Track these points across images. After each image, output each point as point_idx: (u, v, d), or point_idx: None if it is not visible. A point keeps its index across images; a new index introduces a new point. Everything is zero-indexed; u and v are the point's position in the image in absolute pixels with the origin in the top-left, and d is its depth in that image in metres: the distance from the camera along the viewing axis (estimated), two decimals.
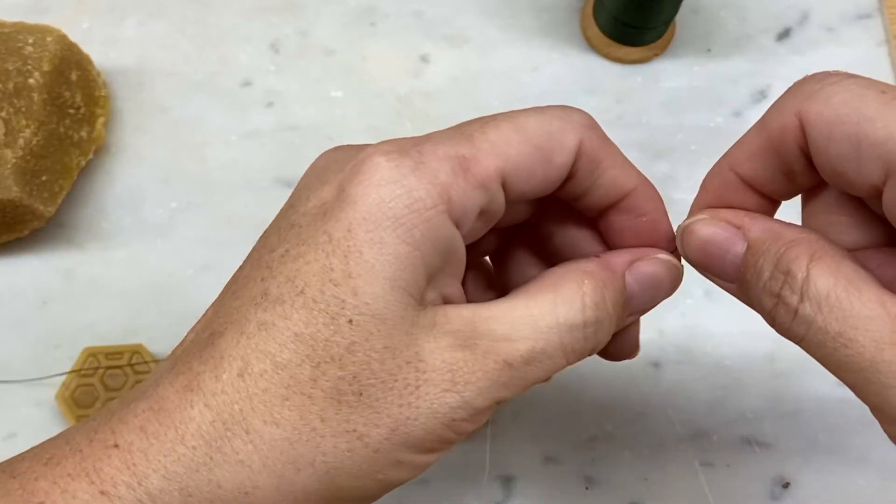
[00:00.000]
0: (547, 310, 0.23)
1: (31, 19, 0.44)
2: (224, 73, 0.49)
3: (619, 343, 0.28)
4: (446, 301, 0.24)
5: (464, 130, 0.24)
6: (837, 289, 0.22)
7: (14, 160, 0.40)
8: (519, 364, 0.23)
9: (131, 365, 0.41)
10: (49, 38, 0.43)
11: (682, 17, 0.49)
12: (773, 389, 0.43)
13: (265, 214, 0.45)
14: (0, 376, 0.42)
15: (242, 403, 0.21)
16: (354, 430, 0.22)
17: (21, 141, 0.41)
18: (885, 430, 0.23)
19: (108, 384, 0.41)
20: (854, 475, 0.42)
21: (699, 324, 0.44)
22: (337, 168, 0.24)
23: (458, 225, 0.23)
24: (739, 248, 0.26)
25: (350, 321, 0.21)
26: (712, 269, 0.27)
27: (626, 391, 0.43)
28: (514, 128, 0.24)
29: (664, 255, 0.27)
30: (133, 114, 0.48)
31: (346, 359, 0.21)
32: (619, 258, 0.26)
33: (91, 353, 0.41)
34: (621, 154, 0.26)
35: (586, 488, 0.41)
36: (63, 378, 0.41)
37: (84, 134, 0.45)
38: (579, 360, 0.25)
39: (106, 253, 0.45)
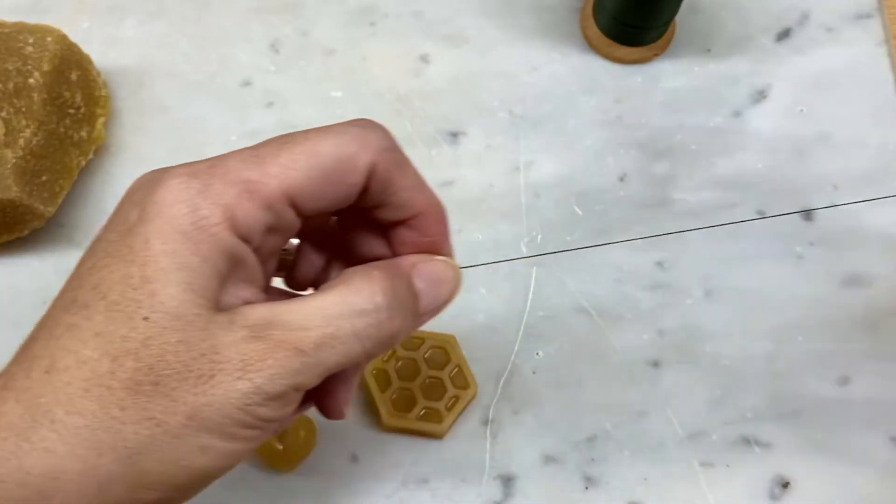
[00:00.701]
0: (338, 300, 0.26)
1: (32, 19, 0.45)
2: (224, 73, 0.49)
3: (331, 399, 0.30)
4: (247, 304, 0.26)
5: (258, 152, 0.26)
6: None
7: (14, 160, 0.40)
8: (311, 350, 0.25)
9: None
10: (49, 38, 0.43)
11: (681, 17, 0.49)
12: (772, 389, 0.43)
13: None
14: None
15: (48, 397, 0.24)
16: (153, 418, 0.23)
17: (21, 141, 0.41)
18: None
19: None
20: (853, 475, 0.42)
21: (699, 324, 0.44)
22: (143, 192, 0.26)
23: (246, 240, 0.25)
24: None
25: (145, 318, 0.24)
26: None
27: (625, 391, 0.43)
28: (307, 152, 0.26)
29: (442, 258, 0.29)
30: (133, 114, 0.48)
31: (142, 352, 0.23)
32: (405, 260, 0.29)
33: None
34: (416, 176, 0.28)
35: (586, 488, 0.41)
36: None
37: (84, 134, 0.45)
38: (377, 349, 0.26)
39: None
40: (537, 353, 0.43)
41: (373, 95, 0.48)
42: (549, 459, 0.42)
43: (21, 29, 0.43)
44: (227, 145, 0.47)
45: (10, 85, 0.41)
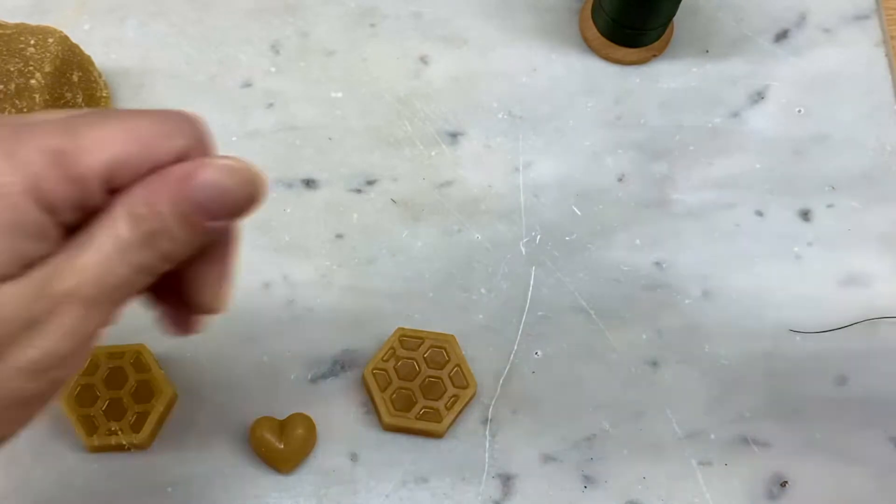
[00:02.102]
0: (105, 234, 0.24)
1: (33, 21, 0.45)
2: (224, 74, 0.49)
3: (203, 287, 0.28)
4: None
5: (71, 122, 0.24)
6: None
7: None
8: (90, 290, 0.24)
9: (133, 364, 0.41)
10: (50, 40, 0.43)
11: (680, 18, 0.49)
12: (770, 389, 0.43)
13: (265, 214, 0.46)
14: None
15: None
16: None
17: None
18: None
19: (110, 383, 0.41)
20: (851, 474, 0.42)
21: (697, 324, 0.44)
22: None
23: (53, 211, 0.24)
24: None
25: None
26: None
27: (624, 391, 0.43)
28: (121, 125, 0.25)
29: (222, 160, 0.26)
30: None
31: None
32: (177, 169, 0.25)
33: (92, 353, 0.41)
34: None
35: (585, 487, 0.42)
36: None
37: None
38: (158, 269, 0.25)
39: None
40: (536, 353, 0.44)
41: (372, 96, 0.48)
42: (548, 458, 0.42)
43: (22, 30, 0.43)
44: (227, 146, 0.47)
45: (12, 86, 0.42)
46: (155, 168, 0.25)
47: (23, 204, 0.23)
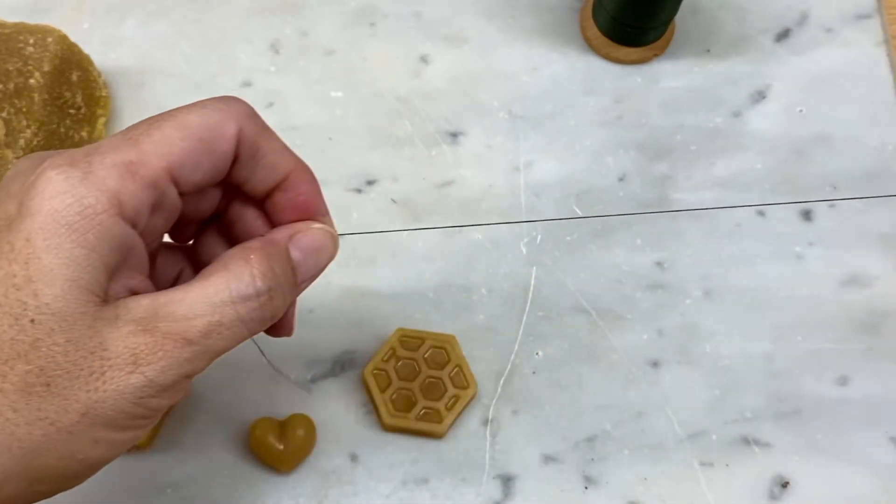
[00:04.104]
0: (221, 287, 0.26)
1: (32, 20, 0.45)
2: (224, 74, 0.49)
3: (278, 322, 0.31)
4: (133, 293, 0.26)
5: (130, 135, 0.26)
6: None
7: (15, 161, 0.40)
8: (198, 339, 0.25)
9: None
10: (50, 39, 0.43)
11: (681, 17, 0.49)
12: (772, 389, 0.43)
13: None
14: None
15: None
16: (47, 418, 0.24)
17: (22, 141, 0.41)
18: None
19: None
20: (853, 475, 0.42)
21: (698, 324, 0.44)
22: (19, 183, 0.26)
23: (133, 224, 0.26)
24: None
25: (32, 321, 0.24)
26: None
27: (625, 391, 0.43)
28: (177, 126, 0.26)
29: (319, 225, 0.30)
30: (134, 114, 0.48)
31: (32, 354, 0.24)
32: (280, 233, 0.29)
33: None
34: (279, 140, 0.29)
35: (585, 488, 0.41)
36: None
37: (85, 134, 0.45)
38: (261, 327, 0.27)
39: None
40: (537, 353, 0.44)
41: (373, 95, 0.48)
42: (548, 459, 0.42)
43: (21, 29, 0.43)
44: None
45: (11, 85, 0.41)
46: (218, 159, 0.27)
47: (108, 220, 0.24)
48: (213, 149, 0.27)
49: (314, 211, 0.30)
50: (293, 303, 0.31)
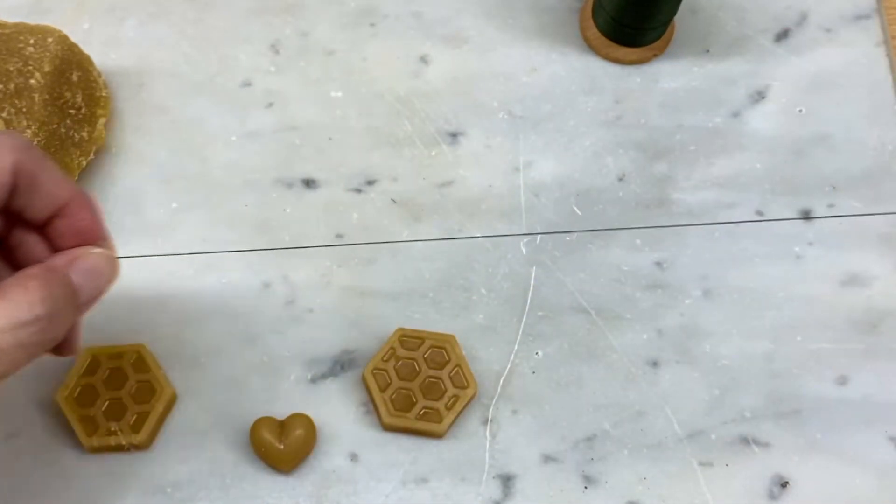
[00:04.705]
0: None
1: (32, 20, 0.45)
2: (224, 74, 0.49)
3: (61, 342, 0.32)
4: None
5: None
6: None
7: None
8: None
9: (133, 365, 0.41)
10: (50, 39, 0.43)
11: (680, 18, 0.49)
12: (771, 389, 0.43)
13: (265, 214, 0.46)
14: None
15: None
16: None
17: None
18: None
19: (110, 384, 0.41)
20: (852, 475, 0.42)
21: (697, 323, 0.44)
22: None
23: None
24: None
25: None
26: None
27: (624, 391, 0.43)
28: None
29: (98, 249, 0.31)
30: (134, 114, 0.48)
31: None
32: (60, 259, 0.31)
33: (93, 354, 0.41)
34: (58, 171, 0.31)
35: (585, 487, 0.41)
36: (64, 378, 0.41)
37: (85, 134, 0.45)
38: (42, 351, 0.28)
39: None
40: (537, 353, 0.44)
41: (372, 96, 0.48)
42: (548, 459, 0.42)
43: (22, 30, 0.43)
44: (227, 146, 0.47)
45: (11, 85, 0.42)
46: None
47: None
48: None
49: (94, 236, 0.32)
50: (77, 323, 0.32)
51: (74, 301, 0.30)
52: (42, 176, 0.30)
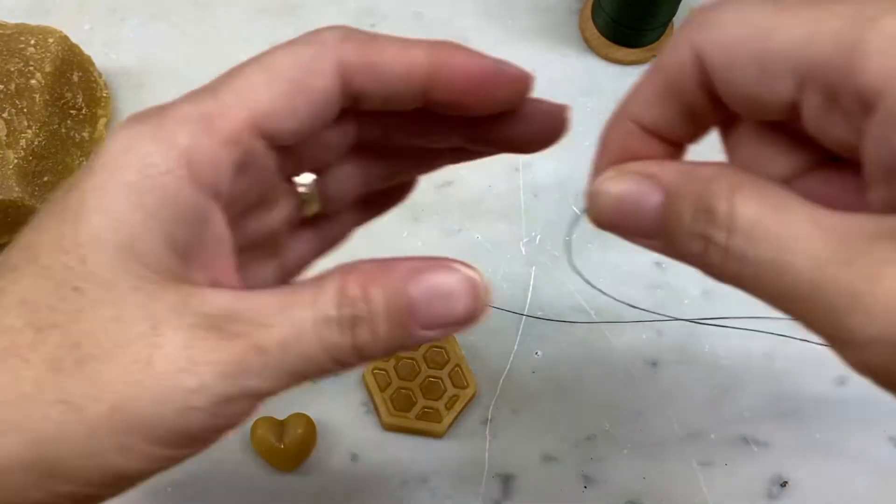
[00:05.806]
0: (307, 300, 0.21)
1: (33, 21, 0.45)
2: None
3: None
4: (214, 285, 0.22)
5: (210, 86, 0.23)
6: (764, 215, 0.20)
7: (16, 161, 0.41)
8: (273, 349, 0.21)
9: None
10: (51, 40, 0.43)
11: (679, 18, 0.49)
12: (771, 389, 0.43)
13: None
14: None
15: None
16: (68, 402, 0.20)
17: (23, 142, 0.41)
18: (846, 359, 0.21)
19: None
20: (852, 474, 0.42)
21: (697, 323, 0.44)
22: (100, 145, 0.23)
23: (211, 189, 0.21)
24: (655, 199, 0.24)
25: (76, 288, 0.20)
26: (632, 229, 0.25)
27: (624, 390, 0.43)
28: (261, 69, 0.22)
29: (458, 265, 0.23)
30: None
31: (70, 327, 0.20)
32: (403, 263, 0.22)
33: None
34: (397, 38, 0.24)
35: (585, 487, 0.42)
36: None
37: (86, 134, 0.45)
38: (348, 360, 0.22)
39: None
40: (536, 353, 0.44)
41: None
42: (548, 458, 0.42)
43: (23, 30, 0.43)
44: None
45: (12, 86, 0.42)
46: (316, 99, 0.23)
47: (172, 183, 0.21)
48: (308, 88, 0.22)
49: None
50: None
51: (405, 318, 0.22)
52: (384, 54, 0.24)
